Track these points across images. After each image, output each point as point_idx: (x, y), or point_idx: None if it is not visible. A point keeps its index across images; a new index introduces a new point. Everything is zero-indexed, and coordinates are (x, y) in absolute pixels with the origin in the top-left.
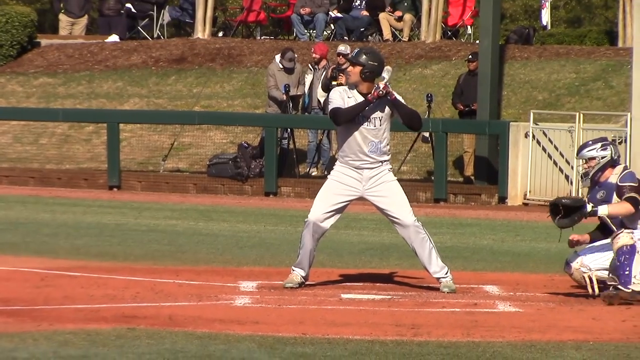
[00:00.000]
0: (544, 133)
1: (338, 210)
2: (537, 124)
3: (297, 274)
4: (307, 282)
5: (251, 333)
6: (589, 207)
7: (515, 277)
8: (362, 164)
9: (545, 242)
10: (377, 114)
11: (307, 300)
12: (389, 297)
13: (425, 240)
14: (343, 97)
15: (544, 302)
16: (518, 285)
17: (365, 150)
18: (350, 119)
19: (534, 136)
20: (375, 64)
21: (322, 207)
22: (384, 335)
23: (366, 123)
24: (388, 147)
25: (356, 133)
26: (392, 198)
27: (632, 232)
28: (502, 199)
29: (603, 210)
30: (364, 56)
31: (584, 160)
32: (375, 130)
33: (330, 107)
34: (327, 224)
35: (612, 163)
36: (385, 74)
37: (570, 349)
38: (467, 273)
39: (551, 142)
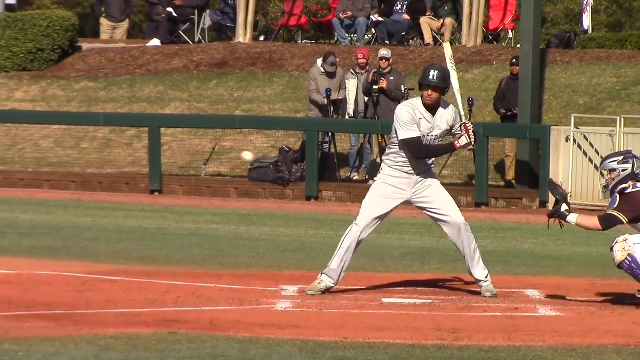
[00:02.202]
0: (585, 137)
1: (385, 215)
2: (578, 128)
3: (324, 281)
4: (347, 288)
5: (292, 337)
6: (563, 208)
7: (556, 281)
8: (415, 170)
9: (587, 247)
10: (441, 129)
11: (348, 305)
12: (430, 301)
13: (473, 240)
14: (417, 121)
15: (585, 306)
16: (559, 290)
17: (419, 161)
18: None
19: (575, 140)
20: (449, 81)
21: (373, 211)
22: (424, 339)
23: (429, 137)
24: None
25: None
26: (441, 197)
27: (626, 242)
28: (544, 203)
29: (572, 218)
30: (445, 77)
31: (606, 172)
32: (436, 142)
33: (407, 135)
34: (370, 230)
35: (634, 177)
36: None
37: (611, 353)
38: (508, 277)
39: (592, 146)
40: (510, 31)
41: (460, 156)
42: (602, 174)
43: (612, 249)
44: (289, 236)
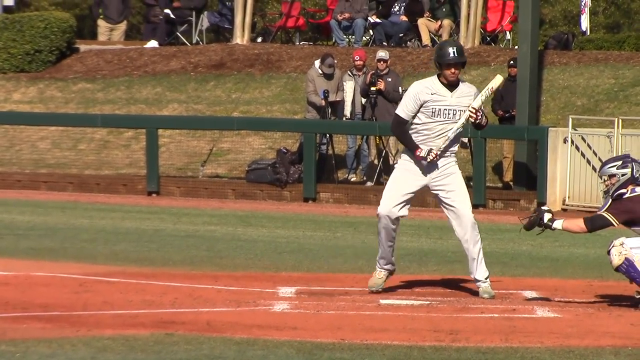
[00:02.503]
0: (582, 138)
1: (408, 200)
2: (575, 130)
3: (381, 272)
4: (343, 289)
5: (289, 339)
6: (546, 218)
7: (553, 282)
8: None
9: (584, 248)
10: (457, 106)
11: (346, 306)
12: (428, 302)
13: (479, 241)
14: (421, 99)
15: (583, 308)
16: (557, 291)
17: (436, 141)
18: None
19: (572, 142)
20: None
21: (392, 198)
22: (422, 341)
23: (444, 116)
24: (458, 139)
25: (433, 125)
26: (456, 188)
27: (622, 246)
28: (541, 205)
29: (557, 224)
30: (461, 51)
31: (606, 177)
32: (451, 123)
33: (397, 111)
34: (399, 213)
35: (633, 181)
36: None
37: (608, 354)
38: (505, 278)
39: (590, 148)
40: (508, 32)
41: (458, 157)
42: (600, 178)
43: (609, 252)
44: (286, 237)
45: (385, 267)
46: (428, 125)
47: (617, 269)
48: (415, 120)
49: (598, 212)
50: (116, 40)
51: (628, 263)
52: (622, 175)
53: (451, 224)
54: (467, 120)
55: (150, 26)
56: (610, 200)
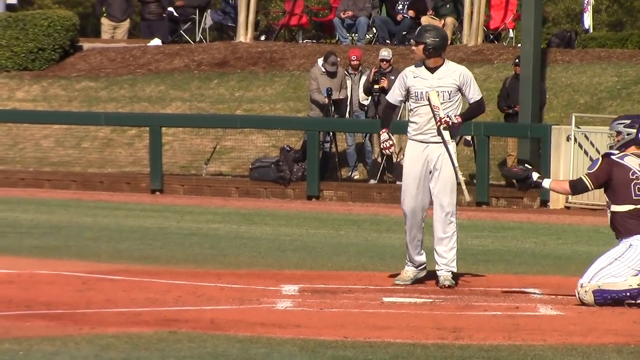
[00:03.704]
0: (585, 136)
1: (425, 187)
2: (578, 127)
3: (408, 270)
4: (347, 286)
5: (293, 336)
6: (535, 177)
7: (556, 280)
8: (426, 138)
9: (587, 245)
10: (444, 87)
11: (349, 304)
12: (431, 300)
13: (452, 230)
14: (406, 83)
15: (585, 306)
16: (560, 289)
17: (429, 125)
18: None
19: (575, 139)
20: (437, 39)
21: (409, 190)
22: (425, 338)
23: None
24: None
25: (421, 109)
26: (442, 179)
27: (582, 287)
28: (544, 203)
29: (546, 183)
30: (425, 34)
31: (614, 133)
32: (442, 98)
33: (387, 95)
34: (421, 204)
35: (636, 142)
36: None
37: (611, 352)
38: (508, 276)
39: (593, 145)
40: (511, 30)
41: (461, 155)
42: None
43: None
44: (290, 235)
45: (411, 266)
46: (417, 110)
47: (597, 304)
48: (409, 109)
49: (584, 173)
50: (119, 38)
51: (599, 294)
52: (628, 134)
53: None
54: (441, 126)
55: (145, 23)
56: (600, 160)
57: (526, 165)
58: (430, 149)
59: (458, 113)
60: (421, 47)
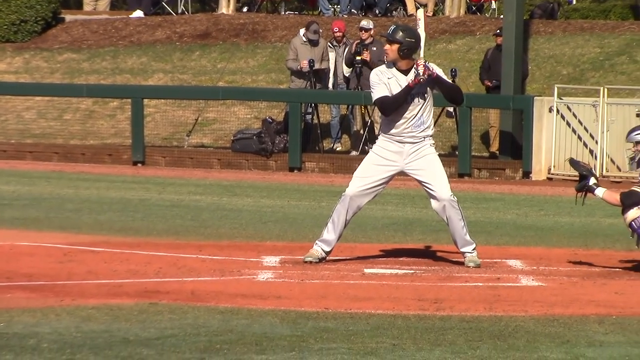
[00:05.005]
0: (568, 108)
1: (377, 186)
2: (561, 99)
3: (319, 249)
4: (329, 258)
5: (273, 308)
6: (592, 182)
7: (538, 251)
8: (405, 138)
9: (569, 217)
10: (420, 89)
11: (330, 275)
12: (412, 271)
13: (459, 215)
14: (384, 81)
15: (567, 277)
16: (541, 260)
17: (409, 124)
18: (397, 108)
19: (558, 111)
20: (412, 40)
21: (361, 181)
22: (406, 309)
23: (409, 98)
24: (431, 121)
25: (400, 108)
26: (431, 171)
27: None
28: (526, 174)
29: (599, 192)
30: (400, 33)
31: (632, 144)
32: (419, 105)
33: (375, 96)
34: (364, 200)
35: None
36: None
37: (593, 323)
38: (490, 247)
39: (575, 117)
40: (493, 2)
41: (443, 127)
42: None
43: (624, 211)
44: (271, 207)
45: (325, 248)
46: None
47: (630, 224)
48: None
49: (631, 188)
50: (102, 10)
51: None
52: None
53: (430, 201)
54: (417, 73)
55: None
56: None
57: (589, 168)
58: (406, 150)
59: (431, 111)
60: (395, 46)
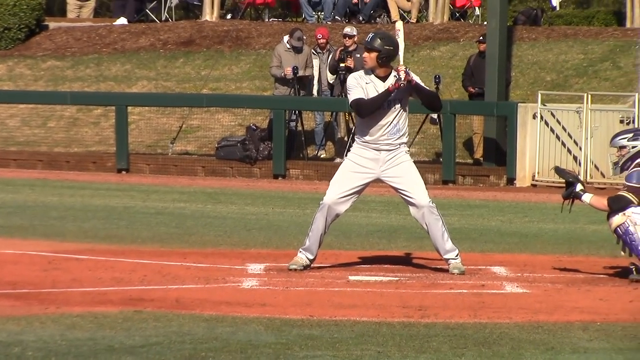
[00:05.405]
0: (552, 114)
1: (354, 194)
2: (545, 105)
3: (303, 257)
4: (313, 265)
5: (258, 315)
6: (578, 188)
7: (522, 258)
8: (381, 145)
9: (553, 223)
10: (397, 96)
11: (315, 283)
12: (397, 278)
13: (439, 221)
14: (362, 85)
15: (551, 283)
16: (525, 266)
17: (385, 131)
18: (374, 111)
19: (542, 117)
20: (391, 48)
21: (338, 189)
22: (391, 317)
23: (386, 105)
24: (406, 128)
25: (376, 115)
26: (408, 178)
27: (625, 213)
28: (511, 181)
29: (586, 198)
30: (379, 41)
31: (616, 149)
32: (395, 112)
33: (351, 98)
34: (342, 208)
35: None
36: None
37: (577, 329)
38: (474, 254)
39: (559, 123)
40: (477, 8)
41: (427, 134)
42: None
43: (609, 217)
44: (255, 214)
45: (309, 256)
46: (369, 117)
47: (615, 230)
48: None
49: (619, 193)
50: (85, 17)
51: (625, 227)
52: (633, 147)
53: (409, 208)
54: (397, 77)
55: (119, 3)
56: (628, 183)
57: (574, 174)
58: (382, 158)
59: (406, 118)
60: (374, 54)
